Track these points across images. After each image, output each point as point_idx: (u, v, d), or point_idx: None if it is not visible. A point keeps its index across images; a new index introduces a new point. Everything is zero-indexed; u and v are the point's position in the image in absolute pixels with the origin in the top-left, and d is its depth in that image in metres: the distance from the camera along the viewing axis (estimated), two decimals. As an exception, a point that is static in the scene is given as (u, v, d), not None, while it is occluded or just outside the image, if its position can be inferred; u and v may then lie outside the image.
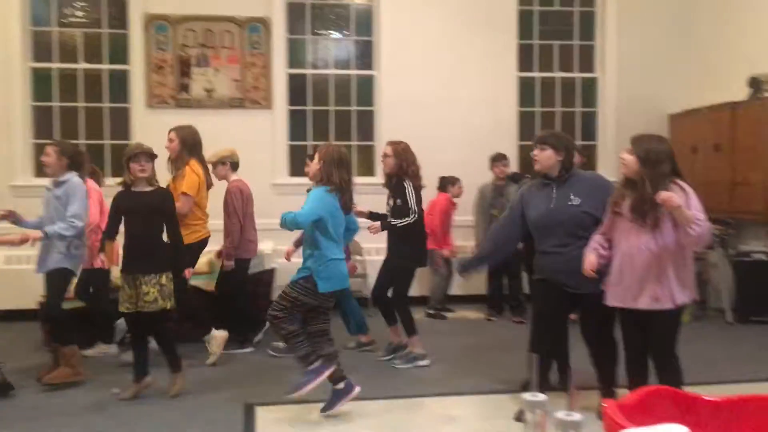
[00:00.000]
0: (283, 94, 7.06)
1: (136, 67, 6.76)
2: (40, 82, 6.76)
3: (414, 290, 5.14)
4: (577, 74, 7.67)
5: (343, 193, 3.85)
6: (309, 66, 7.25)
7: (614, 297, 3.48)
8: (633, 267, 3.38)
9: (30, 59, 6.70)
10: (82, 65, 6.82)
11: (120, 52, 6.84)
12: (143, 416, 3.93)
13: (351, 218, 4.04)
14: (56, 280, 4.43)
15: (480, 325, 6.34)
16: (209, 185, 5.17)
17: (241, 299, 5.27)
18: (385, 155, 4.83)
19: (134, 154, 4.18)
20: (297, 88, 7.17)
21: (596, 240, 3.55)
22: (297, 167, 7.14)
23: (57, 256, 4.41)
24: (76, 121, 6.80)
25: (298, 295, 3.79)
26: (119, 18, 6.83)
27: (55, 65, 6.78)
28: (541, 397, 1.07)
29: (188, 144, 5.03)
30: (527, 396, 1.08)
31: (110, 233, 4.24)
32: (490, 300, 6.66)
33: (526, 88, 7.56)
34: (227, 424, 3.78)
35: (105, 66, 6.85)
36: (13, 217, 4.47)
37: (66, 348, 4.49)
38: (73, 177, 4.50)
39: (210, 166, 5.21)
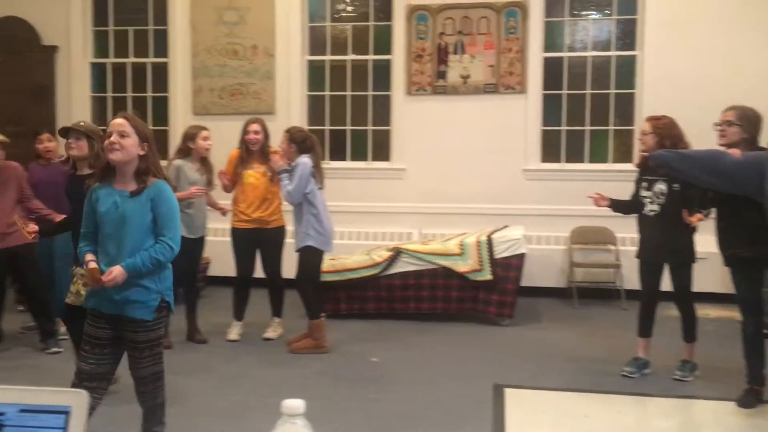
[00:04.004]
0: (538, 79, 6.96)
1: (398, 56, 7.13)
2: (315, 73, 7.44)
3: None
4: None
5: None
6: (566, 49, 7.06)
7: None
8: None
9: (307, 52, 7.40)
10: (351, 56, 7.36)
11: (384, 43, 7.26)
12: (390, 387, 4.19)
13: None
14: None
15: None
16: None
17: None
18: (644, 133, 4.38)
19: None
20: (552, 71, 7.02)
21: None
22: (550, 153, 7.04)
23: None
24: (345, 108, 7.37)
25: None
26: (384, 11, 7.25)
27: (328, 57, 7.41)
28: None
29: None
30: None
31: None
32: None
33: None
34: (475, 403, 3.88)
35: (370, 57, 7.33)
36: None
37: (313, 321, 4.93)
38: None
39: None
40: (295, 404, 0.97)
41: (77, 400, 0.91)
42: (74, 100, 7.56)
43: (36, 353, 4.87)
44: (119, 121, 2.90)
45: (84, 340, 2.98)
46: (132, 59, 7.69)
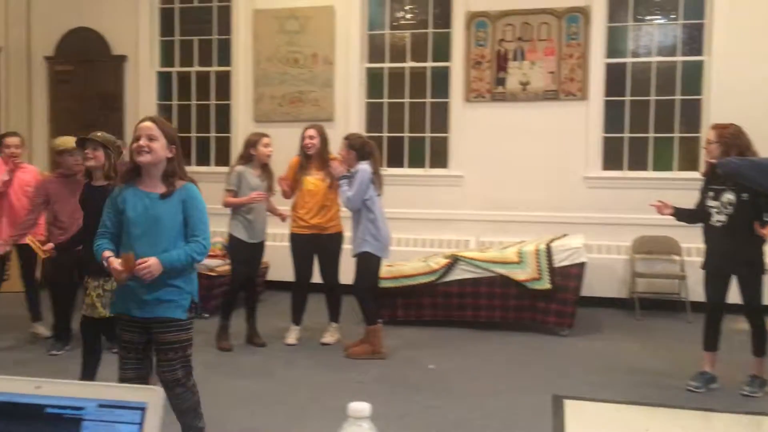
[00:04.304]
0: (600, 85, 6.84)
1: (457, 63, 7.12)
2: (374, 81, 7.48)
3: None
4: None
5: None
6: (629, 54, 6.92)
7: None
8: None
9: (366, 60, 7.46)
10: (409, 64, 7.38)
11: (442, 50, 7.26)
12: (447, 395, 4.16)
13: None
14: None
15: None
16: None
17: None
18: (709, 141, 4.24)
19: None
20: (615, 77, 6.89)
21: None
22: (612, 160, 6.90)
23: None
24: (402, 115, 7.39)
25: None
26: (443, 18, 7.25)
27: (386, 65, 7.45)
28: None
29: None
30: None
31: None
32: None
33: None
34: (534, 414, 3.82)
35: (429, 64, 7.33)
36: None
37: (370, 326, 4.95)
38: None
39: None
40: (361, 407, 0.98)
41: (153, 396, 0.94)
42: (141, 107, 7.79)
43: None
44: (147, 124, 2.89)
45: (121, 347, 3.01)
46: (196, 68, 7.90)
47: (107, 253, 2.91)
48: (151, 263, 2.78)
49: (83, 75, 7.97)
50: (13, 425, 0.94)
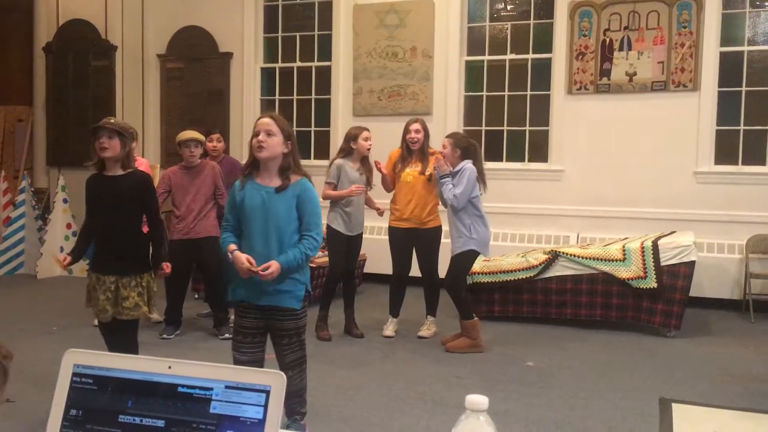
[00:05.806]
0: (713, 75, 6.50)
1: (559, 55, 6.94)
2: (472, 74, 7.42)
3: None
4: None
5: None
6: (746, 42, 6.53)
7: None
8: None
9: (465, 53, 7.39)
10: (509, 56, 7.27)
11: (544, 42, 7.10)
12: (546, 393, 4.08)
13: None
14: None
15: None
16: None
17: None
18: None
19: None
20: (729, 67, 6.53)
21: None
22: (725, 155, 6.55)
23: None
24: (502, 108, 7.29)
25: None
26: (545, 8, 7.09)
27: (486, 57, 7.36)
28: None
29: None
30: None
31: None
32: None
33: None
34: (639, 417, 3.70)
35: (529, 56, 7.19)
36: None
37: (467, 321, 4.92)
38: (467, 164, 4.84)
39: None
40: (479, 400, 0.98)
41: (277, 380, 0.97)
42: (245, 103, 8.07)
43: (210, 338, 5.26)
44: (266, 120, 3.03)
45: (236, 332, 3.19)
46: (298, 63, 8.08)
47: (232, 247, 3.09)
48: (273, 269, 2.96)
49: (192, 72, 8.32)
50: (151, 402, 1.00)
